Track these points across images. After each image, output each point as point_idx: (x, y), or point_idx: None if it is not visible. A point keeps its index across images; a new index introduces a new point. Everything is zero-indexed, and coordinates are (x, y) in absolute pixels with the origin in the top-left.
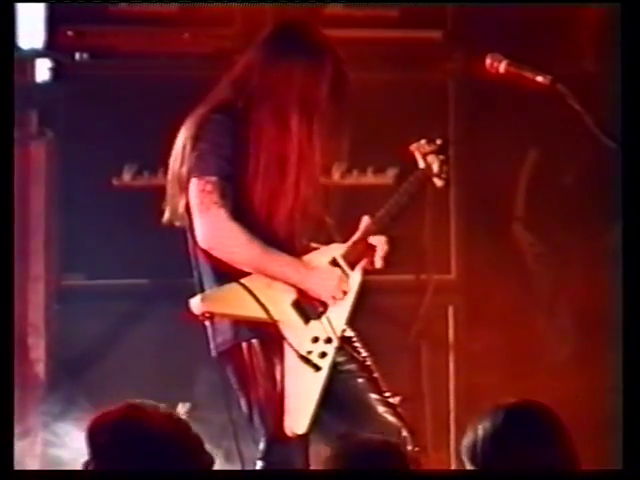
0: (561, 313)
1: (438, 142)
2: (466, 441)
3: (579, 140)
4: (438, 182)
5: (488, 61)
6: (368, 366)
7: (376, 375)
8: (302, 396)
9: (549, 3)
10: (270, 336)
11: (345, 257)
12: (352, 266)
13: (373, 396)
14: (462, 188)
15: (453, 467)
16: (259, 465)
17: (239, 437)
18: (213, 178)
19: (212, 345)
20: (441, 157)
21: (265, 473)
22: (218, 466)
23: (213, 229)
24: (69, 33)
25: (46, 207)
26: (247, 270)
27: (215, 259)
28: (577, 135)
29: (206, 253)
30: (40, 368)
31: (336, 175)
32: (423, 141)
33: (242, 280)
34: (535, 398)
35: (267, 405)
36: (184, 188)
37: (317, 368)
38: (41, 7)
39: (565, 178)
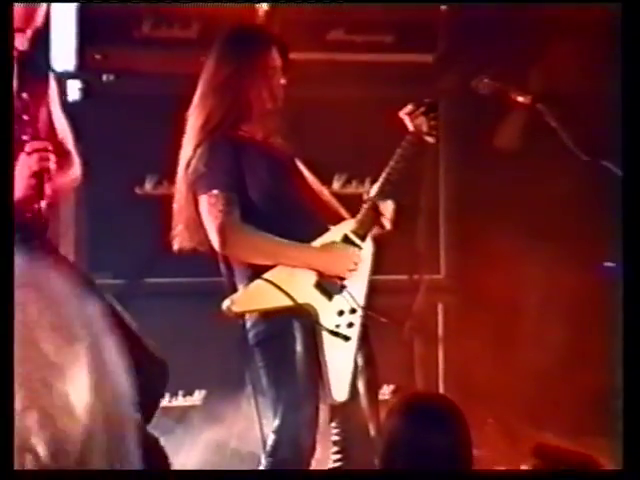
0: (551, 310)
1: (426, 101)
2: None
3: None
4: (430, 139)
5: (474, 82)
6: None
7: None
8: (339, 367)
9: (548, 3)
10: (301, 320)
11: (355, 231)
12: (363, 238)
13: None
14: (451, 196)
15: None
16: (270, 440)
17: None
18: (215, 191)
19: (249, 336)
20: (430, 116)
21: (265, 473)
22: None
23: (225, 235)
24: (97, 56)
25: (76, 213)
26: (268, 264)
27: (239, 261)
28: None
29: (229, 257)
30: None
31: (337, 185)
32: (410, 105)
33: (265, 275)
34: (521, 391)
35: (302, 385)
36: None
37: (347, 338)
38: (72, 32)
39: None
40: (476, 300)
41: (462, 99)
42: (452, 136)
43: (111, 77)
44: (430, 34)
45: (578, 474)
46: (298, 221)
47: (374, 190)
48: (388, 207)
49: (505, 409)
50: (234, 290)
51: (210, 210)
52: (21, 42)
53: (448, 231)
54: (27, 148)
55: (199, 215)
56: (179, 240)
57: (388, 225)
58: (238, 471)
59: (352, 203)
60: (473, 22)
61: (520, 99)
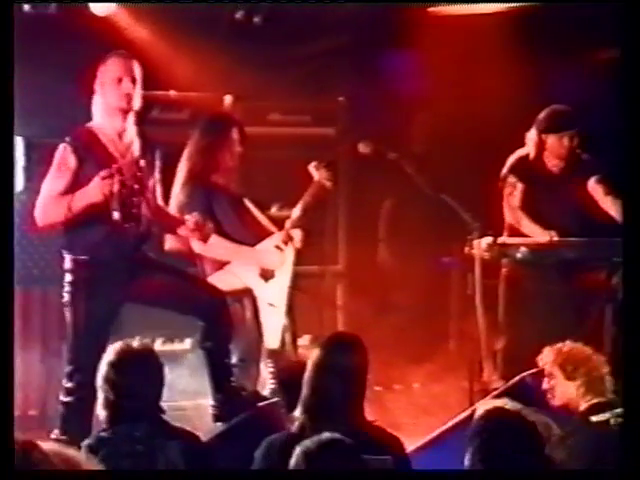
0: (411, 284)
1: (325, 160)
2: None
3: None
4: (327, 184)
5: (360, 145)
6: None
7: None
8: (272, 326)
9: (542, 3)
10: (249, 296)
11: (283, 241)
12: (286, 244)
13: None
14: (346, 218)
15: None
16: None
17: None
18: (195, 213)
19: None
20: (328, 168)
21: (265, 473)
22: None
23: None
24: None
25: None
26: (228, 260)
27: (209, 258)
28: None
29: (202, 255)
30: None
31: (274, 210)
32: (314, 162)
33: (226, 267)
34: (392, 339)
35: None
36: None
37: (275, 306)
38: None
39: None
40: (362, 282)
41: (353, 157)
42: (346, 180)
43: None
44: (332, 115)
45: (579, 474)
46: (246, 234)
47: (289, 221)
48: (296, 235)
49: (382, 351)
50: (205, 277)
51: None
52: (130, 88)
53: (344, 239)
54: (104, 173)
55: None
56: (169, 243)
57: (298, 245)
58: (237, 471)
59: (283, 221)
60: (361, 107)
61: (389, 156)
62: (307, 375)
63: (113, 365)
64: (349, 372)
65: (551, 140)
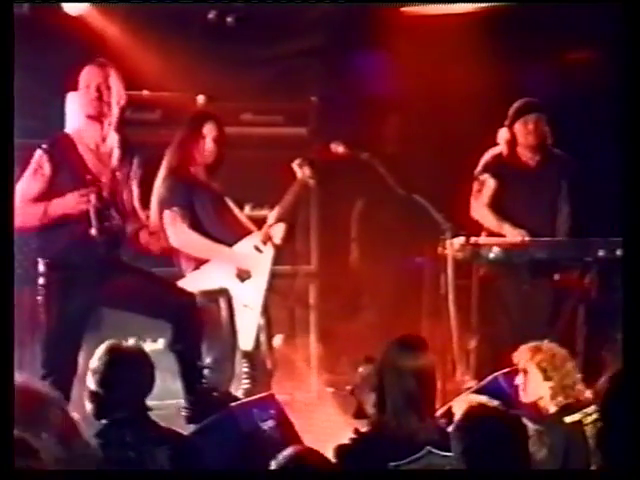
0: (382, 286)
1: (308, 157)
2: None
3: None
4: (310, 182)
5: (332, 145)
6: None
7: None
8: (246, 327)
9: (519, 2)
10: (224, 297)
11: (262, 241)
12: (265, 244)
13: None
14: (318, 217)
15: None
16: (206, 371)
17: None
18: (175, 208)
19: None
20: (311, 166)
21: (267, 473)
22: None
23: (179, 235)
24: None
25: None
26: (206, 257)
27: (186, 254)
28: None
29: (179, 251)
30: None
31: (247, 209)
32: (298, 160)
33: (202, 267)
34: (363, 335)
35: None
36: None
37: (249, 307)
38: None
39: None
40: (334, 281)
41: (325, 157)
42: (320, 179)
43: None
44: (305, 115)
45: (578, 474)
46: (225, 232)
47: (271, 217)
48: (278, 230)
49: (354, 351)
50: (182, 276)
51: (170, 221)
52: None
53: (317, 238)
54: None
55: (162, 223)
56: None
57: (278, 242)
58: (237, 471)
59: (257, 221)
60: (333, 107)
61: (361, 156)
62: (384, 379)
63: (103, 357)
64: (426, 372)
65: (518, 128)
